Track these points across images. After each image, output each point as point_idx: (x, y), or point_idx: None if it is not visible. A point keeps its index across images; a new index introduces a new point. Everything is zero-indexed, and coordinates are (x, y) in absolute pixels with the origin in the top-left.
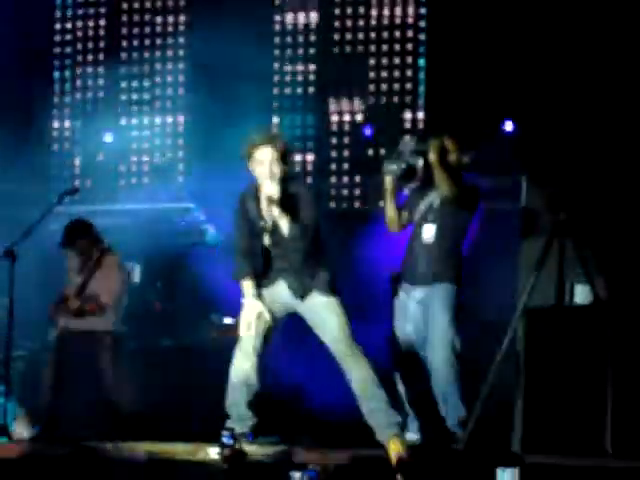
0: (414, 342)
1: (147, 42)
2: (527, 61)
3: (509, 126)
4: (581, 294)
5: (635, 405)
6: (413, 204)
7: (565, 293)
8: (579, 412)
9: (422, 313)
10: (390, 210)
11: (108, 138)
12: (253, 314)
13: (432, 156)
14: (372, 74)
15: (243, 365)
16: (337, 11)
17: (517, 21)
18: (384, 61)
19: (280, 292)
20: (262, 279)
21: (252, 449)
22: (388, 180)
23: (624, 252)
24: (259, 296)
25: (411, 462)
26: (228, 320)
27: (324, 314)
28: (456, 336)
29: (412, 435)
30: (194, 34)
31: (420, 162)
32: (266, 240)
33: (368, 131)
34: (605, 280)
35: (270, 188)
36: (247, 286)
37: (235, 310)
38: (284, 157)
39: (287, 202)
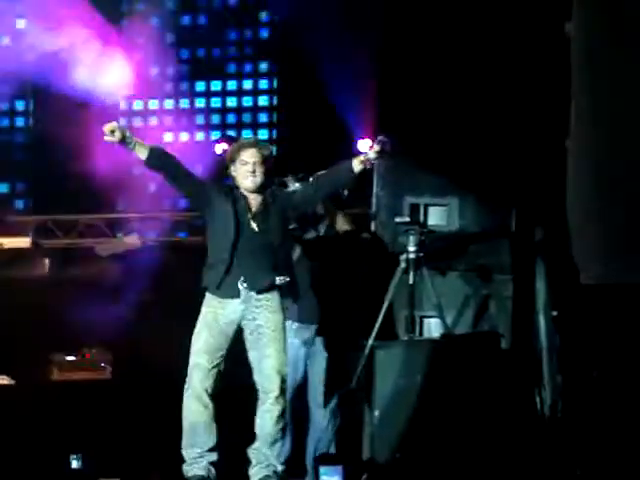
0: None
1: None
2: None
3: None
4: (431, 327)
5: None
6: None
7: (415, 326)
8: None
9: None
10: None
11: None
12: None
13: None
14: None
15: None
16: None
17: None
18: None
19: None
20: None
21: None
22: None
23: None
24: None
25: None
26: (71, 357)
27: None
28: None
29: None
30: None
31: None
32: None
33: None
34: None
35: (251, 183)
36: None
37: (78, 345)
38: (267, 162)
39: (265, 202)
